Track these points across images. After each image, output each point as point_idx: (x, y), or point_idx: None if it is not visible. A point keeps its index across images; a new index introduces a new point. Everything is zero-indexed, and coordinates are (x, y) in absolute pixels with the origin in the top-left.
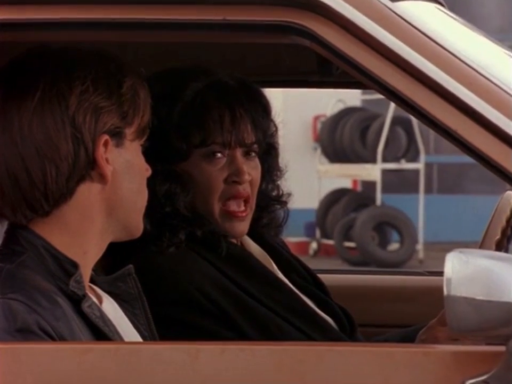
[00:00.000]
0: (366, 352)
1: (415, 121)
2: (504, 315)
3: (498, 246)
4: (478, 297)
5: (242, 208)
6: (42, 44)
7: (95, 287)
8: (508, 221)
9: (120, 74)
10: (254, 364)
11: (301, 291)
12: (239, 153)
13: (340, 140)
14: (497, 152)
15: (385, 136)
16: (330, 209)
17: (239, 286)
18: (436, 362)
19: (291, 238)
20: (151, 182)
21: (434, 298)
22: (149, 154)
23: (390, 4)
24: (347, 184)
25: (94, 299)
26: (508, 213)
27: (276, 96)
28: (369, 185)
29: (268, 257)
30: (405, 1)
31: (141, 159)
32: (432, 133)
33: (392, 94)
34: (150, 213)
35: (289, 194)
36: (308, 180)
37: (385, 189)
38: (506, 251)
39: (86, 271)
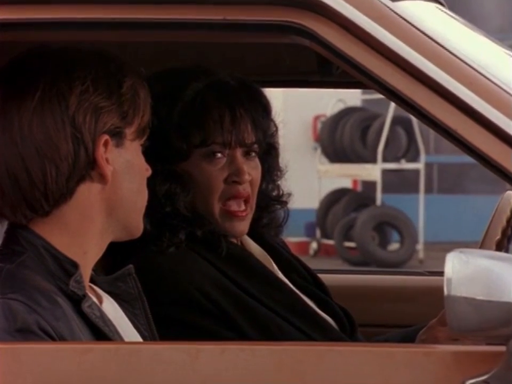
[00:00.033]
0: (366, 352)
1: (415, 121)
2: (504, 315)
3: (498, 246)
4: (478, 297)
5: (243, 207)
6: (42, 43)
7: (95, 287)
8: (508, 221)
9: (120, 74)
10: (254, 364)
11: (301, 291)
12: (239, 153)
13: (340, 139)
14: (497, 152)
15: (385, 136)
16: (330, 209)
17: (239, 286)
18: (436, 362)
19: (291, 238)
20: (151, 182)
21: (434, 298)
22: (149, 154)
23: (390, 4)
24: (347, 184)
25: (94, 299)
26: (508, 213)
27: (276, 96)
28: (369, 185)
29: (268, 257)
30: (405, 1)
31: (141, 159)
32: (432, 133)
33: (392, 93)
34: (150, 212)
35: (289, 194)
36: (308, 179)
37: (385, 189)
38: (507, 251)
39: (86, 271)
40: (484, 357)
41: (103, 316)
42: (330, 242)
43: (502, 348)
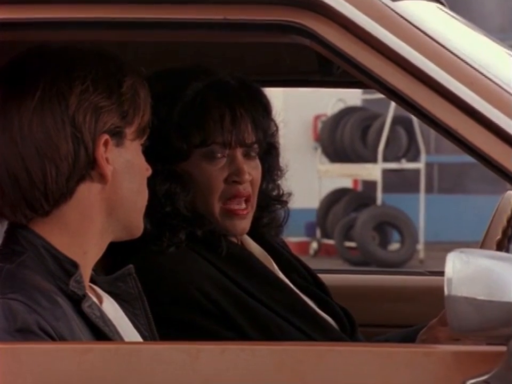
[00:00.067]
0: (366, 352)
1: (415, 120)
2: (505, 315)
3: (499, 246)
4: (479, 297)
5: (243, 206)
6: (42, 43)
7: (95, 287)
8: (508, 221)
9: (120, 73)
10: (254, 364)
11: (301, 291)
12: (239, 153)
13: (341, 139)
14: (498, 152)
15: (385, 135)
16: (330, 209)
17: (240, 286)
18: (436, 362)
19: (291, 238)
20: (151, 182)
21: (435, 298)
22: (149, 154)
23: (390, 3)
24: (348, 184)
25: (94, 299)
26: (509, 212)
27: (276, 95)
28: (369, 185)
29: (269, 257)
30: (406, 1)
31: (141, 159)
32: (432, 133)
33: (392, 93)
34: (150, 212)
35: (289, 194)
36: (309, 179)
37: (385, 189)
38: (507, 251)
39: (86, 271)
40: (484, 357)
41: (103, 315)
42: (331, 242)
43: (503, 348)
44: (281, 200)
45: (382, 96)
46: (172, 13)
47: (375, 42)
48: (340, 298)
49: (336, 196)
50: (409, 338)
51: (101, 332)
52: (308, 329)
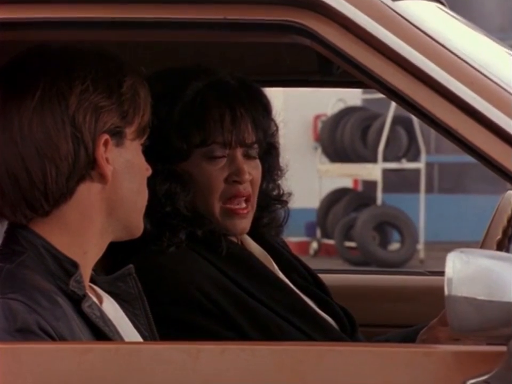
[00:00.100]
0: (366, 352)
1: (416, 120)
2: (505, 315)
3: (499, 245)
4: (479, 297)
5: (244, 205)
6: (42, 43)
7: (95, 287)
8: (509, 221)
9: (120, 73)
10: (254, 364)
11: (301, 291)
12: (239, 153)
13: (341, 139)
14: (498, 152)
15: (386, 135)
16: (331, 209)
17: (240, 286)
18: (436, 362)
19: (292, 238)
20: (151, 182)
21: (435, 298)
22: (149, 153)
23: (390, 3)
24: (348, 183)
25: (94, 299)
26: (509, 212)
27: (276, 95)
28: (370, 185)
29: (269, 257)
30: (406, 0)
31: (141, 159)
32: (433, 133)
33: (393, 93)
34: (150, 212)
35: (289, 194)
36: (309, 179)
37: (386, 189)
38: (508, 251)
39: (86, 271)
40: (484, 357)
41: (103, 315)
42: (331, 242)
43: (503, 348)
44: (281, 200)
45: (382, 96)
46: (172, 13)
47: (376, 42)
48: (340, 298)
49: (336, 196)
50: (409, 338)
51: (101, 331)
52: (308, 329)
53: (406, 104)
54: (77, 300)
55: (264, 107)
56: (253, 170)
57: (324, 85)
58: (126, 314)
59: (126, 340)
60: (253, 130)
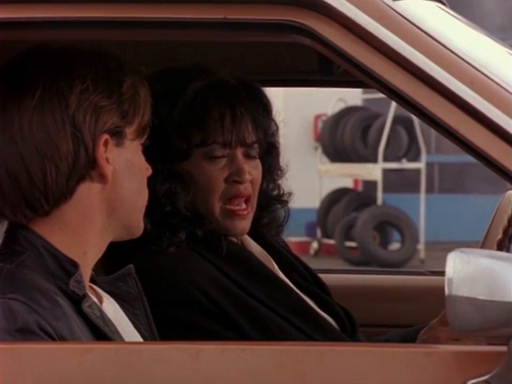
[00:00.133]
0: (367, 352)
1: (416, 120)
2: (506, 315)
3: (499, 245)
4: (479, 297)
5: (244, 206)
6: (42, 43)
7: (95, 287)
8: (509, 221)
9: (120, 73)
10: (254, 364)
11: (301, 291)
12: (239, 152)
13: (341, 139)
14: (498, 151)
15: (386, 135)
16: (331, 209)
17: (240, 286)
18: (437, 362)
19: (292, 238)
20: (151, 182)
21: (435, 298)
22: (149, 153)
23: (391, 3)
24: (348, 183)
25: (94, 299)
26: (510, 212)
27: (276, 95)
28: (370, 185)
29: (269, 257)
30: (406, 0)
31: (141, 159)
32: (433, 132)
33: (393, 93)
34: (150, 212)
35: (290, 194)
36: (309, 179)
37: (386, 189)
38: (508, 251)
39: (86, 271)
40: (485, 357)
41: (103, 315)
42: (331, 242)
43: (503, 348)
44: (281, 200)
45: (382, 95)
46: (172, 12)
47: (376, 41)
48: (340, 298)
49: (337, 196)
50: (409, 338)
51: (101, 331)
52: (308, 329)
53: (407, 104)
54: (77, 300)
55: (265, 107)
56: (253, 170)
57: (324, 85)
58: (126, 314)
59: (126, 339)
60: (253, 130)
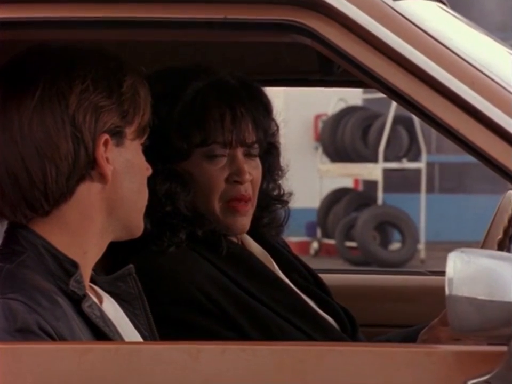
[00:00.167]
0: (367, 352)
1: (416, 120)
2: (506, 315)
3: (500, 245)
4: (480, 297)
5: (243, 203)
6: (42, 42)
7: (95, 287)
8: (509, 221)
9: (120, 73)
10: (254, 364)
11: (302, 291)
12: (240, 152)
13: (341, 139)
14: (499, 151)
15: (386, 135)
16: (331, 209)
17: (240, 286)
18: (437, 362)
19: (292, 238)
20: (151, 182)
21: (436, 298)
22: (150, 153)
23: (391, 3)
24: (348, 183)
25: (94, 299)
26: (510, 212)
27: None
28: (370, 185)
29: (269, 257)
30: (407, 0)
31: (142, 159)
32: (433, 132)
33: (393, 93)
34: (150, 212)
35: (290, 194)
36: (309, 179)
37: (386, 189)
38: (508, 251)
39: (86, 271)
40: (485, 357)
41: (103, 315)
42: (331, 242)
43: (504, 348)
44: (281, 200)
45: (382, 95)
46: (172, 12)
47: (376, 41)
48: (341, 298)
49: (337, 196)
50: (410, 338)
51: (101, 331)
52: (309, 329)
53: (407, 104)
54: (77, 300)
55: (265, 107)
56: (253, 170)
57: (324, 85)
58: (126, 314)
59: (126, 339)
60: (254, 130)
